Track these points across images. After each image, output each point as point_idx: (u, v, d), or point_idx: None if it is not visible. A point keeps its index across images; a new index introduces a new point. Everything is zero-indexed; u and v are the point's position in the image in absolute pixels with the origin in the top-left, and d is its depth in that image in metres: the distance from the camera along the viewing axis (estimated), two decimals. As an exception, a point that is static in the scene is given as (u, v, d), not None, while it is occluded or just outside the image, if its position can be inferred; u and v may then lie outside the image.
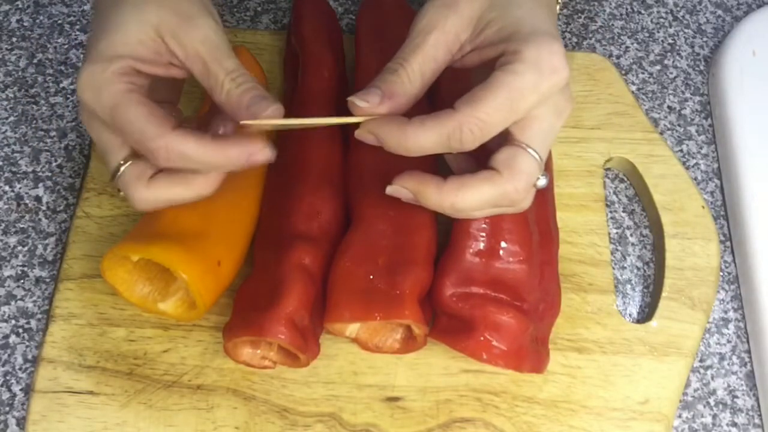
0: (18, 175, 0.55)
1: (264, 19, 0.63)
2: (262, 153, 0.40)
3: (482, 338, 0.45)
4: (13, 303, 0.51)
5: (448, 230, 0.48)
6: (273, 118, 0.40)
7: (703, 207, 0.54)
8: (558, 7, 0.47)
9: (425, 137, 0.39)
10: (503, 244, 0.46)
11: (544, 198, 0.49)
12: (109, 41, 0.40)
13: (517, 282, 0.46)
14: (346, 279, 0.46)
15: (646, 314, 0.52)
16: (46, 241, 0.53)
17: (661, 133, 0.59)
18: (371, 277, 0.45)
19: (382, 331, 0.48)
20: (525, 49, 0.39)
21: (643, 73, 0.62)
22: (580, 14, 0.65)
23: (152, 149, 0.39)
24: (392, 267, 0.46)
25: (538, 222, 0.48)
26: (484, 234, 0.46)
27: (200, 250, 0.45)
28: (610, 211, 0.56)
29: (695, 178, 0.58)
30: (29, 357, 0.49)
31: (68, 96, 0.58)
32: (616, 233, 0.55)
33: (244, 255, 0.49)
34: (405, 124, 0.40)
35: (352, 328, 0.48)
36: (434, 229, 0.48)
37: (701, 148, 0.59)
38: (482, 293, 0.46)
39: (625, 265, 0.54)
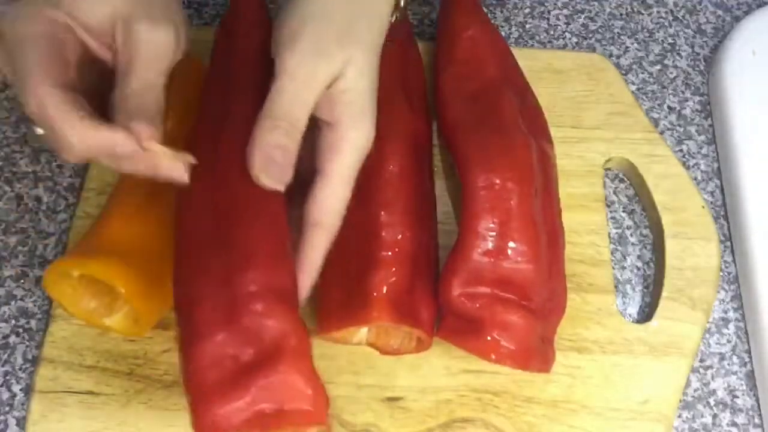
0: (18, 175, 0.55)
1: (264, 19, 0.63)
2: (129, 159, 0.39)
3: (490, 338, 0.45)
4: (13, 303, 0.51)
5: (449, 230, 0.48)
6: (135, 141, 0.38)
7: (703, 207, 0.54)
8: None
9: None
10: (511, 244, 0.45)
11: (550, 197, 0.49)
12: None
13: (525, 281, 0.45)
14: (324, 292, 0.46)
15: (646, 314, 0.52)
16: (46, 241, 0.53)
17: (661, 133, 0.58)
18: (344, 285, 0.46)
19: (394, 333, 0.48)
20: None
21: (643, 73, 0.62)
22: (580, 14, 0.65)
23: (27, 90, 0.37)
24: (360, 271, 0.46)
25: (544, 221, 0.48)
26: (492, 233, 0.46)
27: (142, 266, 0.44)
28: (610, 211, 0.56)
29: (695, 178, 0.58)
30: (29, 357, 0.49)
31: (68, 96, 0.58)
32: (616, 233, 0.55)
33: None
34: None
35: (360, 336, 0.48)
36: (406, 224, 0.47)
37: (701, 148, 0.59)
38: (490, 293, 0.45)
39: (625, 265, 0.54)
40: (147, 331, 0.47)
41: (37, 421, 0.46)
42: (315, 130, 0.42)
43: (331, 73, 0.41)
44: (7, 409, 0.48)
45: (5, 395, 0.48)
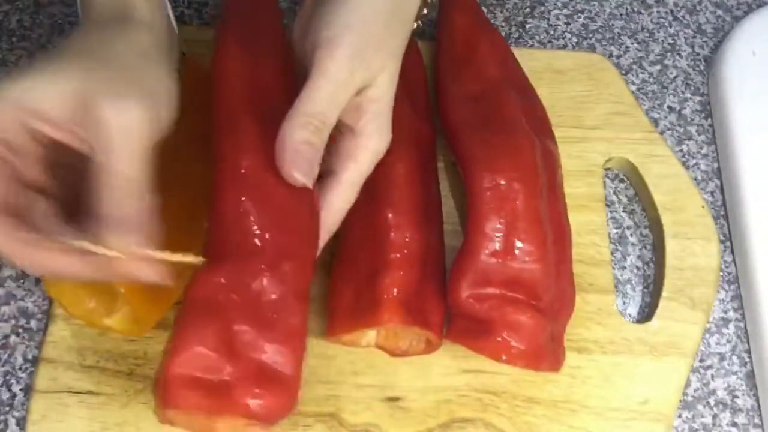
0: (18, 175, 0.55)
1: (264, 19, 0.63)
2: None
3: (500, 339, 0.45)
4: (13, 303, 0.51)
5: (452, 230, 0.48)
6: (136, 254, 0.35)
7: (703, 207, 0.54)
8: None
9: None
10: (518, 244, 0.45)
11: (555, 196, 0.49)
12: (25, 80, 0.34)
13: (533, 281, 0.45)
14: (334, 294, 0.47)
15: (646, 314, 0.52)
16: (46, 241, 0.53)
17: (661, 133, 0.59)
18: (354, 287, 0.46)
19: (403, 335, 0.47)
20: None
21: (643, 73, 0.62)
22: (580, 14, 0.65)
23: None
24: (369, 273, 0.46)
25: (551, 220, 0.48)
26: (499, 234, 0.46)
27: None
28: (610, 211, 0.56)
29: (695, 178, 0.58)
30: (29, 357, 0.49)
31: (68, 96, 0.58)
32: (616, 233, 0.55)
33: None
34: None
35: (369, 338, 0.48)
36: (414, 226, 0.47)
37: (701, 148, 0.59)
38: (499, 294, 0.45)
39: (625, 265, 0.54)
40: (147, 331, 0.47)
41: (37, 421, 0.46)
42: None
43: (365, 80, 0.41)
44: (7, 409, 0.48)
45: (5, 395, 0.48)
